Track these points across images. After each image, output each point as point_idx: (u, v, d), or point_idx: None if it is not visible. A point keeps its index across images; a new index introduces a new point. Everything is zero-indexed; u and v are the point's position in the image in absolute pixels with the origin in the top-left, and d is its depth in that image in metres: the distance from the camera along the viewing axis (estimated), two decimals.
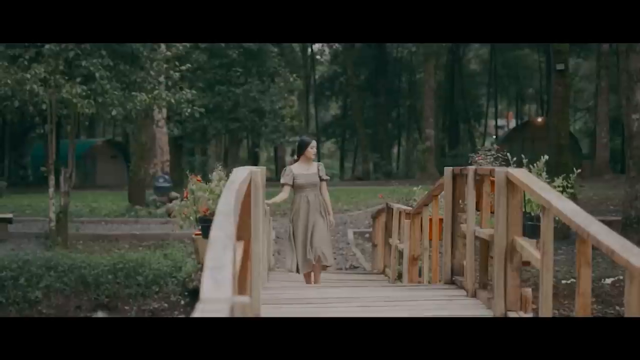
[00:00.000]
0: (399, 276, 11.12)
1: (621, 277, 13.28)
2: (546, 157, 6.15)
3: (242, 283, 5.75)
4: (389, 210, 12.34)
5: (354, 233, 18.62)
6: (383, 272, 12.63)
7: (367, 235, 17.88)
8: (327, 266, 9.69)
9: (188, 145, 34.27)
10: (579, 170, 6.20)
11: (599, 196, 23.93)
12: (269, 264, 12.79)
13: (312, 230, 9.36)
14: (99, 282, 13.62)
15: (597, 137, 34.13)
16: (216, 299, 2.89)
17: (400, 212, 11.01)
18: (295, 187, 9.50)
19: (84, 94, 14.67)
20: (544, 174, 6.20)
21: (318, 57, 57.76)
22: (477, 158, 7.60)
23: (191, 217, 7.39)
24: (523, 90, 56.16)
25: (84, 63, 14.90)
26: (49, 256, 14.04)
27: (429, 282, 9.40)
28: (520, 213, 5.93)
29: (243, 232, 5.78)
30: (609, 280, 13.15)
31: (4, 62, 14.83)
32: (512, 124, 56.34)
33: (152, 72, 16.01)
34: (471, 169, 6.93)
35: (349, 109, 51.60)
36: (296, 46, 51.55)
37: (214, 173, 6.80)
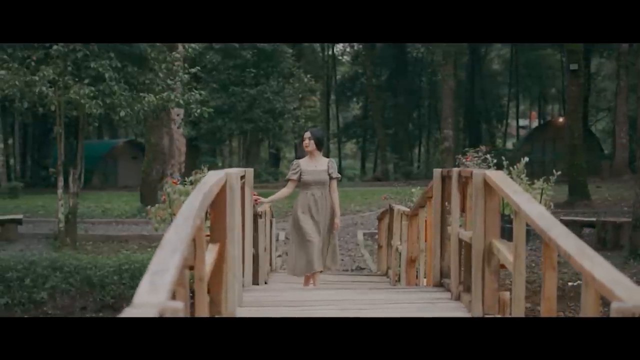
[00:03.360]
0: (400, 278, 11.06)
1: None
2: (526, 159, 6.07)
3: (216, 285, 5.73)
4: (391, 211, 12.29)
5: (364, 234, 18.57)
6: (386, 274, 12.57)
7: (376, 236, 17.81)
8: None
9: (203, 146, 34.37)
10: (559, 173, 6.11)
11: (613, 197, 23.71)
12: (271, 266, 12.78)
13: (317, 237, 8.88)
14: (104, 283, 13.65)
15: (617, 137, 33.89)
16: (146, 304, 2.87)
17: (400, 214, 10.96)
18: (301, 184, 9.03)
19: (91, 94, 14.73)
20: (523, 175, 6.12)
21: (340, 57, 57.82)
22: (464, 160, 7.52)
23: (167, 220, 7.35)
24: (545, 90, 55.81)
25: (92, 64, 14.96)
26: (55, 257, 14.10)
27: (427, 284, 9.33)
28: (498, 216, 5.86)
29: (218, 234, 5.76)
30: None
31: (13, 64, 14.91)
32: (535, 124, 56.02)
33: (160, 74, 16.03)
34: (455, 170, 6.87)
35: (369, 110, 51.55)
36: (317, 47, 51.61)
37: (192, 176, 6.75)
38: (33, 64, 14.91)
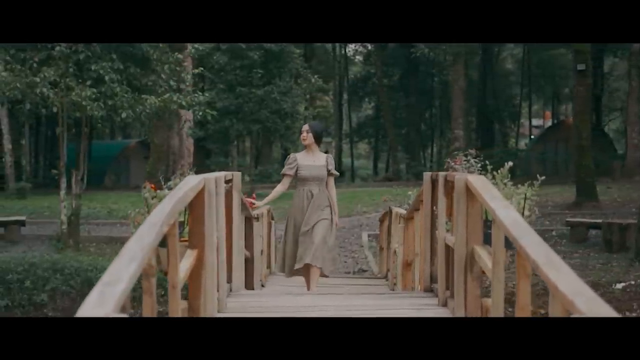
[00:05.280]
0: None
1: (632, 282, 12.98)
2: (510, 163, 5.96)
3: (194, 291, 5.67)
4: (390, 213, 12.20)
5: (369, 236, 18.47)
6: (385, 277, 12.47)
7: None
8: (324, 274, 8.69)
9: (213, 147, 34.36)
10: (543, 177, 6.00)
11: (623, 198, 23.50)
12: (270, 269, 12.71)
13: (313, 231, 8.46)
14: None
15: (628, 137, 33.61)
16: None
17: (398, 216, 10.86)
18: (298, 179, 8.67)
19: (93, 96, 14.70)
20: (506, 180, 6.02)
21: (352, 57, 57.76)
22: (452, 163, 7.40)
23: None
24: (559, 90, 55.48)
25: (94, 67, 14.94)
26: (56, 259, 14.07)
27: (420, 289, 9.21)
28: (480, 221, 5.76)
29: (196, 240, 5.70)
30: (619, 285, 12.86)
31: (16, 66, 14.90)
32: (550, 124, 55.73)
33: (163, 75, 15.99)
34: (442, 174, 6.77)
35: (381, 110, 51.46)
36: (329, 47, 51.54)
37: (171, 181, 6.66)
38: (35, 65, 14.89)
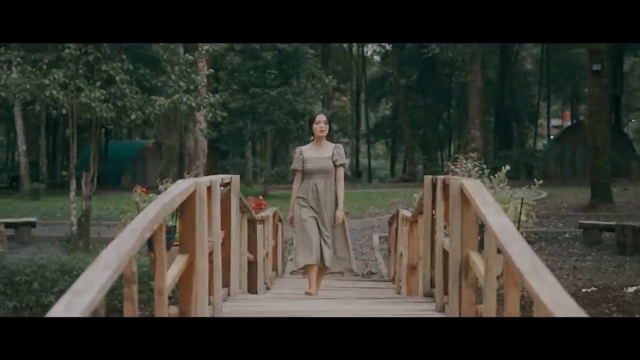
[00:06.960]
0: None
1: None
2: (507, 167, 5.85)
3: (185, 296, 5.60)
4: (397, 216, 12.08)
5: (380, 237, 18.36)
6: (393, 280, 12.35)
7: None
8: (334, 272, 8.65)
9: (225, 148, 34.34)
10: (541, 182, 5.88)
11: (638, 200, 23.23)
12: (276, 271, 12.63)
13: (331, 230, 8.15)
14: (112, 287, 13.40)
15: None
16: None
17: (404, 219, 10.74)
18: (304, 173, 8.21)
19: (102, 97, 14.70)
20: (502, 184, 5.90)
21: (369, 57, 57.66)
22: (452, 167, 7.28)
23: None
24: (578, 90, 55.08)
25: (104, 67, 14.93)
26: (64, 260, 14.05)
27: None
28: (476, 226, 5.64)
29: (187, 245, 5.62)
30: (631, 289, 12.70)
31: (26, 67, 14.90)
32: (569, 124, 55.37)
33: (172, 77, 15.95)
34: (440, 178, 6.66)
35: (399, 110, 51.35)
36: (346, 47, 51.45)
37: (163, 185, 6.59)
38: (45, 67, 14.89)
